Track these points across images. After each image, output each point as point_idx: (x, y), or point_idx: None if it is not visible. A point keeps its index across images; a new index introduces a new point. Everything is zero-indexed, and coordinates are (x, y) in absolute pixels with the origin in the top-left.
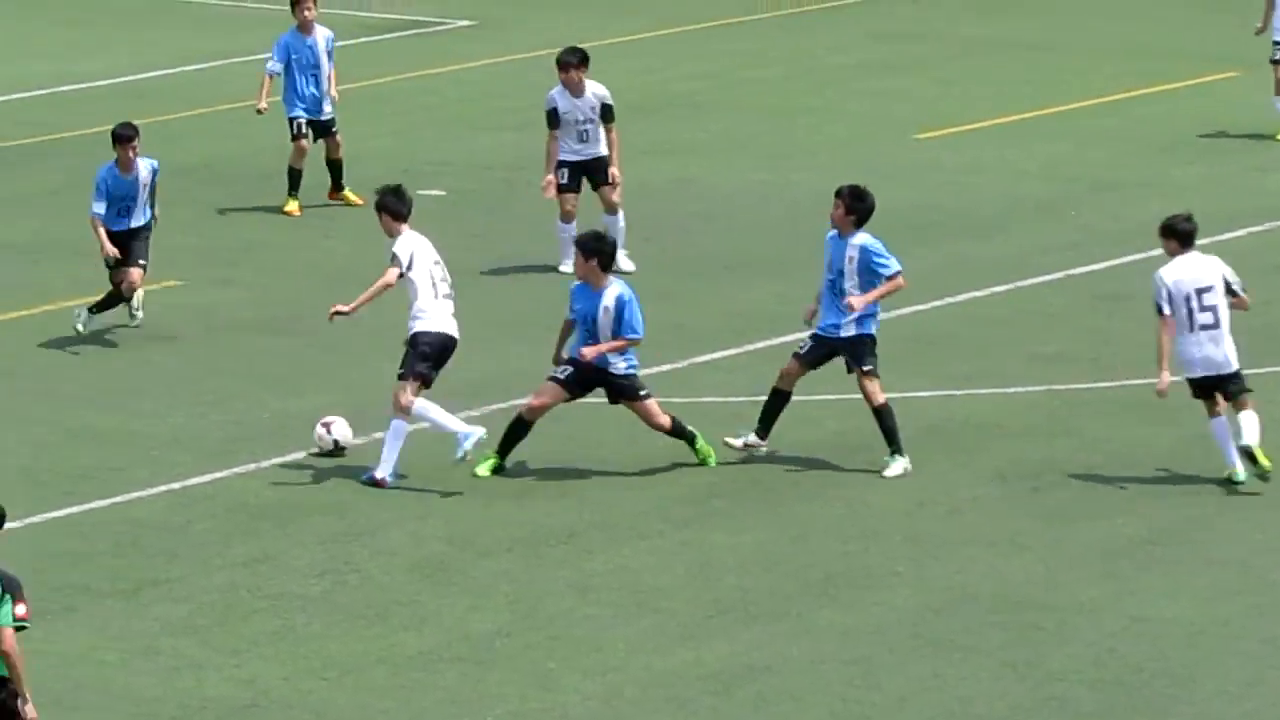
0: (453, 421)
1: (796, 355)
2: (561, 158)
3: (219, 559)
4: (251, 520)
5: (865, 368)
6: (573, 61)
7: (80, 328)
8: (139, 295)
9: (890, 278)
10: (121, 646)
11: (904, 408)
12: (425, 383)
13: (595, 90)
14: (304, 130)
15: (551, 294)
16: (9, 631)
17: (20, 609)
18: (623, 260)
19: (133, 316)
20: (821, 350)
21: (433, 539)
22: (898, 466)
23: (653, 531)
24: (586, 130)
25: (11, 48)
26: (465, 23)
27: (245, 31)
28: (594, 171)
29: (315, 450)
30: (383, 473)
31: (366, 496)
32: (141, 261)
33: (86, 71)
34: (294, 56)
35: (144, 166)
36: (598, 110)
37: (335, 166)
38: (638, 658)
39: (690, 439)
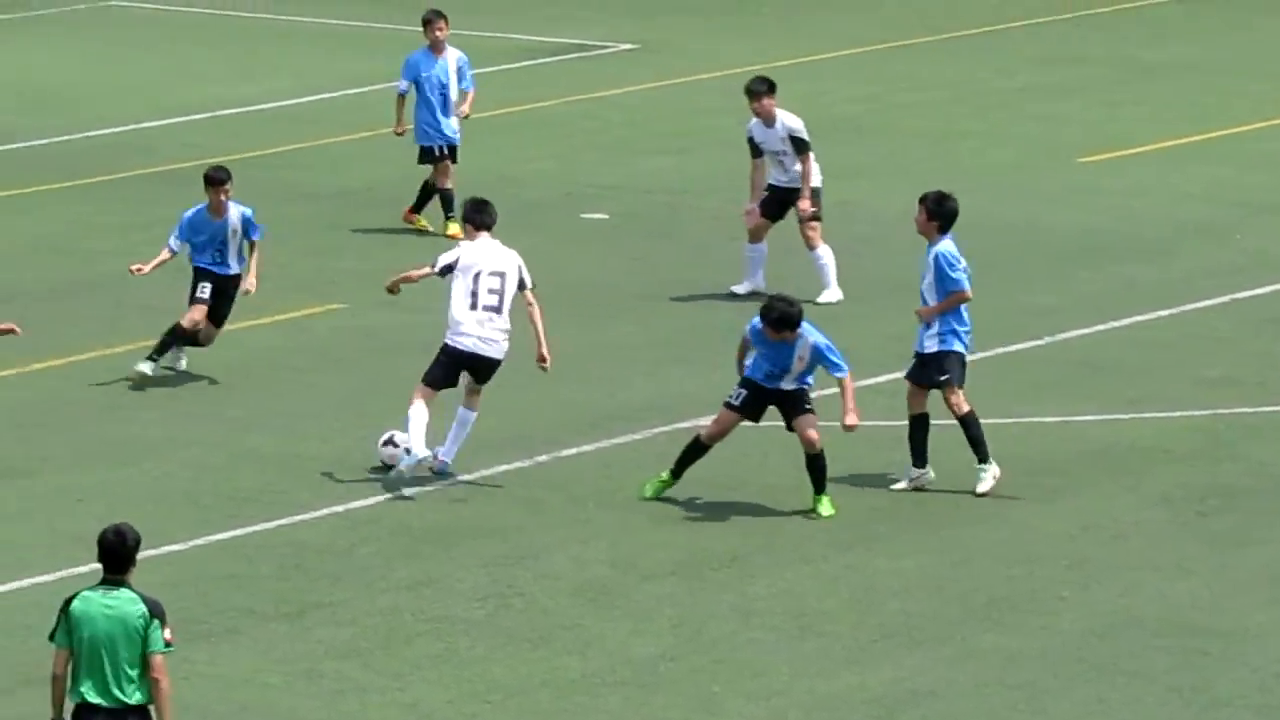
0: (416, 437)
1: (909, 376)
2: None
3: (382, 582)
4: (415, 543)
5: (942, 378)
6: (760, 90)
7: (148, 371)
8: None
9: (952, 292)
10: (285, 669)
11: (1069, 432)
12: (434, 386)
13: (786, 121)
14: (441, 152)
15: (713, 318)
16: (159, 658)
17: (166, 633)
18: (828, 294)
19: (179, 360)
20: (922, 368)
21: (595, 562)
22: (988, 479)
23: (816, 555)
24: (783, 159)
25: (175, 72)
26: (628, 46)
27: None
28: (791, 202)
29: (381, 464)
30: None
31: (530, 520)
32: (223, 322)
33: (249, 95)
34: (423, 75)
35: (235, 212)
36: (788, 141)
37: (431, 191)
38: (801, 682)
39: (817, 487)
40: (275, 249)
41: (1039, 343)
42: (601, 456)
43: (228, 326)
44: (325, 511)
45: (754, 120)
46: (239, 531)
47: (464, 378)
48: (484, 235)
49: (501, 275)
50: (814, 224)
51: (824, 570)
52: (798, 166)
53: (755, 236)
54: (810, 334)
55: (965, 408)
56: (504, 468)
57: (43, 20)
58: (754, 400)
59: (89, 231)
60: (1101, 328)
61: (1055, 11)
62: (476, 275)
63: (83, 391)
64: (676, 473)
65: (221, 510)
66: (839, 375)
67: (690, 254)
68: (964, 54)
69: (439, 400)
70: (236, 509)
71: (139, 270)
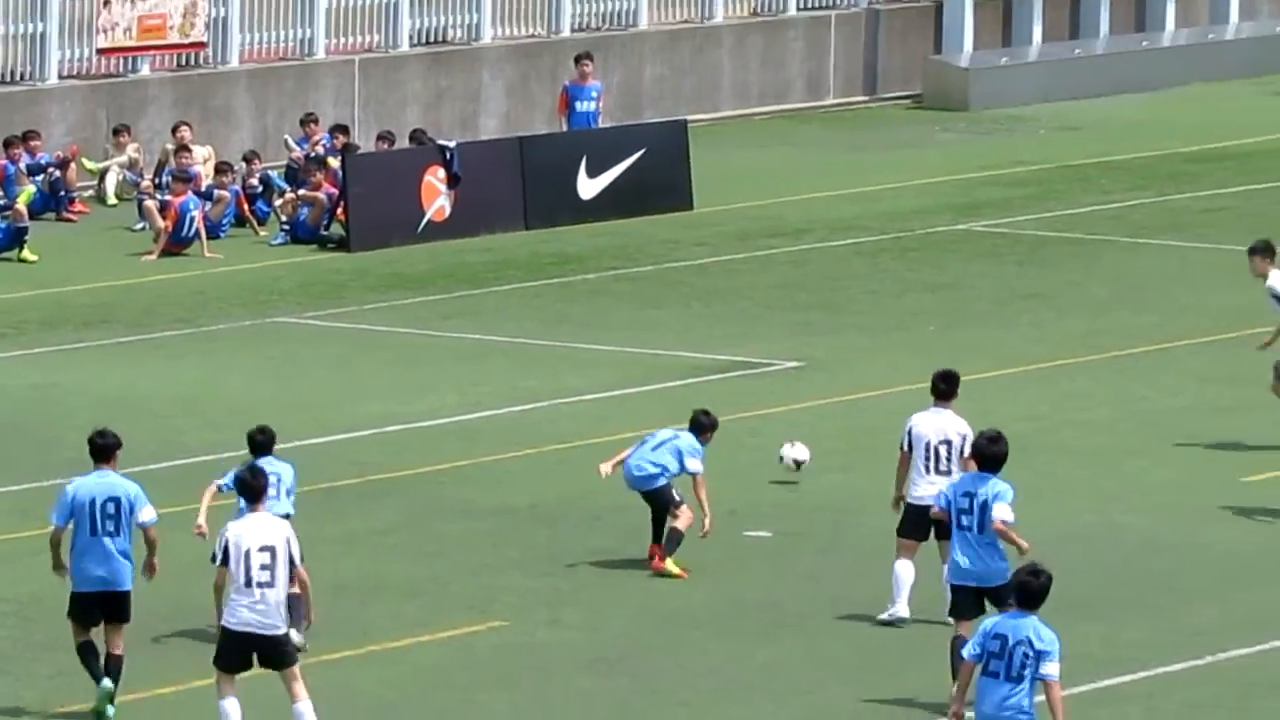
0: None
1: None
2: (914, 494)
3: None
4: None
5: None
6: (941, 388)
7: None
8: None
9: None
10: None
11: None
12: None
13: (955, 423)
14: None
15: (881, 637)
16: None
17: None
18: None
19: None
20: None
21: None
22: None
23: None
24: (948, 462)
25: (341, 390)
26: (792, 364)
27: (572, 372)
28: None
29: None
30: None
31: None
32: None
33: (415, 412)
34: None
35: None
36: (955, 446)
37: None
38: None
39: None
40: (437, 565)
41: (1198, 662)
42: None
43: (391, 644)
44: None
45: (918, 416)
46: None
47: None
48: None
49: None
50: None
51: None
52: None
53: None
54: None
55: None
56: None
57: (213, 335)
58: None
59: None
60: (1263, 647)
61: (1220, 331)
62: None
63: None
64: None
65: None
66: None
67: (854, 570)
68: (1129, 372)
69: None
70: None
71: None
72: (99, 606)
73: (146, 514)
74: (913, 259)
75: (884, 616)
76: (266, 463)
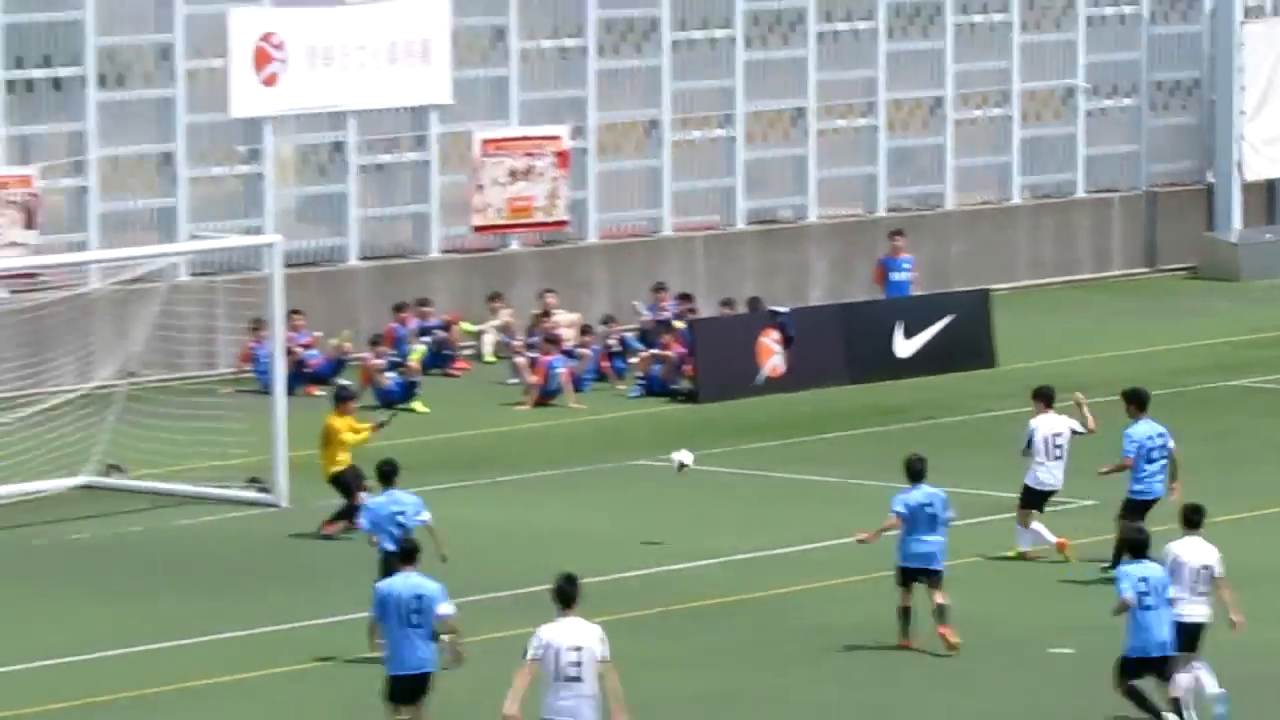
0: None
1: None
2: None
3: None
4: None
5: None
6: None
7: None
8: None
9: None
10: None
11: None
12: None
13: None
14: None
15: None
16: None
17: None
18: None
19: None
20: None
21: None
22: None
23: None
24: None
25: (689, 523)
26: (1090, 502)
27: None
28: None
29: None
30: None
31: None
32: None
33: (757, 543)
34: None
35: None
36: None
37: None
38: None
39: None
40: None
41: None
42: None
43: None
44: None
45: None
46: None
47: None
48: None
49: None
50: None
51: None
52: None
53: None
54: None
55: None
56: None
57: (578, 476)
58: None
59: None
60: None
61: None
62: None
63: None
64: None
65: None
66: None
67: None
68: None
69: None
70: None
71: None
72: None
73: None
74: (1191, 412)
75: None
76: (393, 497)
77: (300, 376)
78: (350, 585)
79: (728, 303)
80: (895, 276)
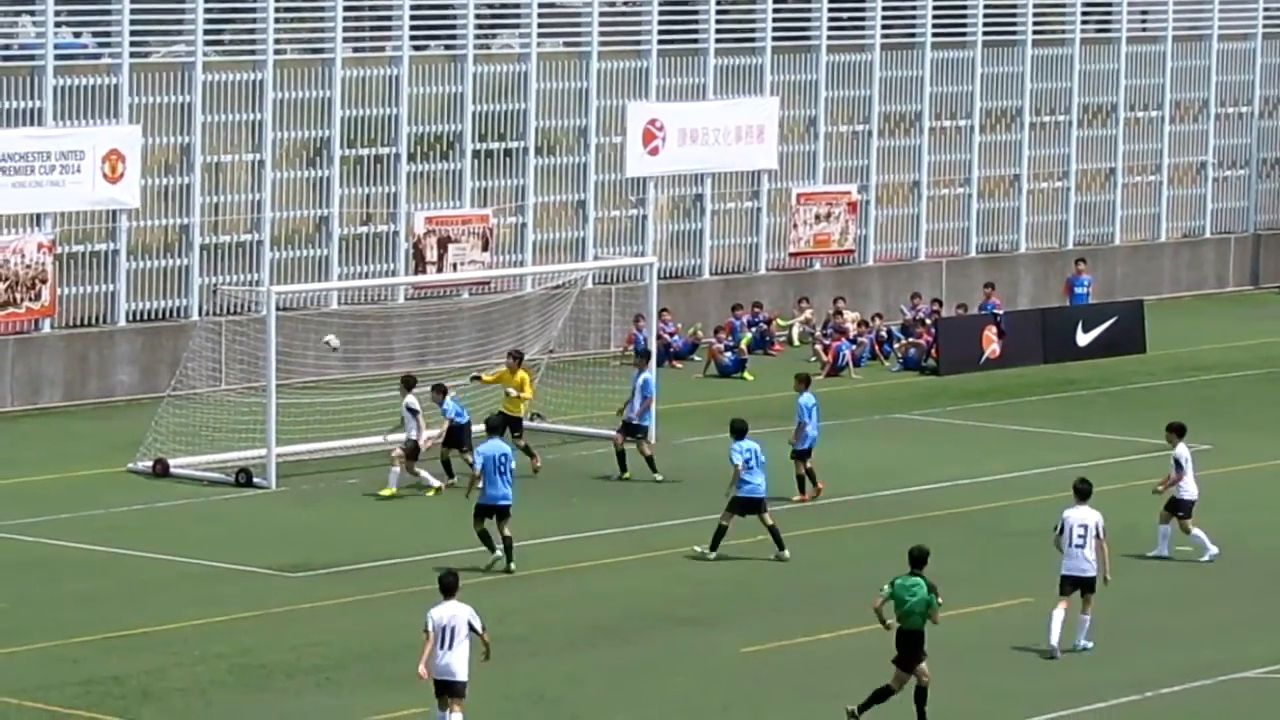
0: None
1: None
2: None
3: None
4: None
5: None
6: None
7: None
8: None
9: None
10: None
11: None
12: None
13: None
14: None
15: None
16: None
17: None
18: None
19: None
20: None
21: None
22: None
23: None
24: None
25: (929, 459)
26: (1205, 446)
27: (1071, 448)
28: None
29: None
30: None
31: None
32: None
33: (973, 472)
34: None
35: None
36: None
37: None
38: None
39: None
40: (987, 564)
41: None
42: None
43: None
44: None
45: None
46: None
47: None
48: None
49: None
50: None
51: None
52: None
53: None
54: None
55: None
56: None
57: (856, 425)
58: None
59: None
60: None
61: None
62: None
63: None
64: None
65: None
66: None
67: None
68: None
69: None
70: None
71: None
72: None
73: None
74: None
75: None
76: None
77: (666, 354)
78: (698, 495)
79: (962, 306)
80: (1078, 290)
